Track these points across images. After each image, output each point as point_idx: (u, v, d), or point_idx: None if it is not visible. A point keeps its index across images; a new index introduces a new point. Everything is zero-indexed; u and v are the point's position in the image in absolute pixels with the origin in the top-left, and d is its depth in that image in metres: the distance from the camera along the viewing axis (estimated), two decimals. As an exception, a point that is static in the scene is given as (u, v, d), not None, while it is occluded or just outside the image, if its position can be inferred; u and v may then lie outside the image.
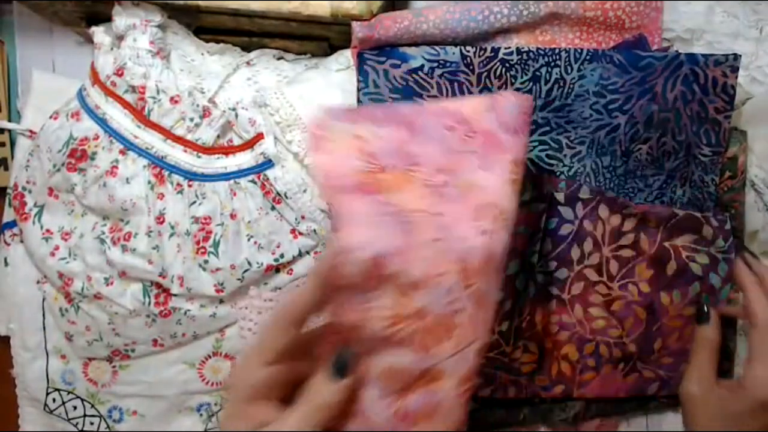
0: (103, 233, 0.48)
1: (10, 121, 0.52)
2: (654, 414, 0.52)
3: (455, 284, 0.34)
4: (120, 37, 0.47)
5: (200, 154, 0.48)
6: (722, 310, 0.46)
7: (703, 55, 0.46)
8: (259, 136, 0.48)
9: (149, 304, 0.48)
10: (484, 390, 0.47)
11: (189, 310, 0.48)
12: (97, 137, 0.47)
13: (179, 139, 0.47)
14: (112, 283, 0.48)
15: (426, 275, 0.33)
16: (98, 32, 0.48)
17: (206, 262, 0.47)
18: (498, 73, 0.46)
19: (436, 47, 0.46)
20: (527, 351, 0.47)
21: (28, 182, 0.49)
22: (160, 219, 0.47)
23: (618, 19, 0.49)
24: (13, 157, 0.51)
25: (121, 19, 0.46)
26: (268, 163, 0.47)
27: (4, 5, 0.52)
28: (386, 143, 0.37)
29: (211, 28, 0.50)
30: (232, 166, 0.48)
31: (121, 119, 0.47)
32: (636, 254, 0.47)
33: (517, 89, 0.46)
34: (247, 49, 0.50)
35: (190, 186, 0.47)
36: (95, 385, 0.52)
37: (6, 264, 0.51)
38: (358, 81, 0.47)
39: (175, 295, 0.48)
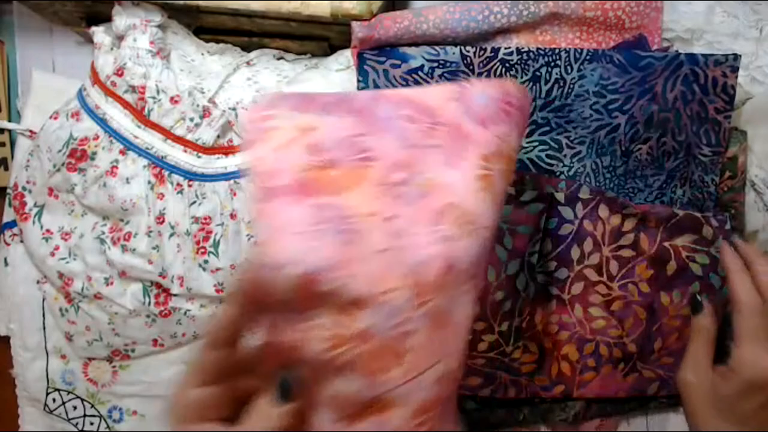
0: (103, 233, 0.48)
1: (10, 121, 0.52)
2: (654, 414, 0.52)
3: (405, 302, 0.29)
4: (120, 37, 0.47)
5: (200, 154, 0.48)
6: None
7: (703, 55, 0.46)
8: (259, 136, 0.48)
9: (149, 304, 0.48)
10: (484, 390, 0.47)
11: (189, 310, 0.48)
12: (97, 137, 0.47)
13: (179, 139, 0.47)
14: (112, 283, 0.48)
15: (370, 292, 0.29)
16: (98, 32, 0.48)
17: (206, 262, 0.47)
18: (498, 73, 0.46)
19: (436, 47, 0.46)
20: (527, 351, 0.47)
21: (28, 182, 0.49)
22: (160, 219, 0.47)
23: (618, 19, 0.49)
24: (13, 157, 0.51)
25: (121, 19, 0.46)
26: (268, 163, 0.48)
27: (4, 5, 0.52)
28: (337, 134, 0.33)
29: (211, 28, 0.50)
30: (232, 166, 0.48)
31: (121, 119, 0.47)
32: (636, 254, 0.47)
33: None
34: (247, 49, 0.50)
35: (190, 186, 0.47)
36: (95, 385, 0.52)
37: (6, 264, 0.51)
38: (358, 81, 0.47)
39: (175, 295, 0.48)
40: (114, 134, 0.47)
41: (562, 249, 0.46)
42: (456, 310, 0.31)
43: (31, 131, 0.50)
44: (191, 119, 0.47)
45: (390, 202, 0.31)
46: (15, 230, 0.51)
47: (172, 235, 0.47)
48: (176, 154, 0.47)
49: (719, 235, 0.47)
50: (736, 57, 0.46)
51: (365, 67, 0.46)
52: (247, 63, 0.49)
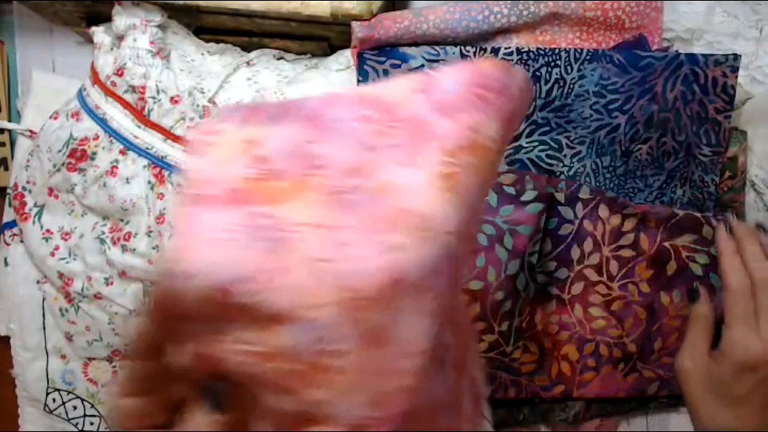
0: (103, 233, 0.48)
1: (10, 121, 0.52)
2: (654, 414, 0.52)
3: (335, 319, 0.26)
4: (120, 37, 0.47)
5: (200, 154, 0.48)
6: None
7: (703, 55, 0.46)
8: (259, 136, 0.48)
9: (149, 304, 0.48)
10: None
11: (189, 310, 0.48)
12: (97, 137, 0.47)
13: (179, 139, 0.47)
14: (112, 283, 0.48)
15: (292, 307, 0.26)
16: (98, 32, 0.48)
17: (206, 262, 0.47)
18: (498, 73, 0.46)
19: (436, 47, 0.46)
20: (527, 351, 0.47)
21: (28, 182, 0.49)
22: (161, 219, 0.47)
23: (618, 19, 0.49)
24: (13, 157, 0.51)
25: (121, 19, 0.46)
26: (268, 163, 0.47)
27: (4, 5, 0.52)
28: (283, 144, 0.30)
29: (211, 28, 0.50)
30: (232, 166, 0.48)
31: (121, 119, 0.47)
32: (636, 254, 0.47)
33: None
34: (247, 49, 0.50)
35: (190, 186, 0.47)
36: (95, 385, 0.52)
37: (6, 264, 0.51)
38: (358, 81, 0.47)
39: (175, 295, 0.48)
40: (114, 134, 0.47)
41: (562, 249, 0.46)
42: (403, 327, 0.28)
43: (31, 131, 0.50)
44: (191, 119, 0.47)
45: (335, 211, 0.29)
46: (15, 230, 0.51)
47: (172, 235, 0.47)
48: (176, 154, 0.47)
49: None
50: (736, 57, 0.46)
51: (365, 67, 0.46)
52: (247, 63, 0.49)
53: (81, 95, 0.48)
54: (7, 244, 0.51)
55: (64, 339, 0.51)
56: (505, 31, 0.49)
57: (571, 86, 0.46)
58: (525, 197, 0.45)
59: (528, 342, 0.47)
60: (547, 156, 0.47)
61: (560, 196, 0.46)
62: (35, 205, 0.50)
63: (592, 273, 0.47)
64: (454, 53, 0.46)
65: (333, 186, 0.29)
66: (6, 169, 0.52)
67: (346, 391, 0.27)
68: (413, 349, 0.28)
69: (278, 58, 0.50)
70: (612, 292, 0.47)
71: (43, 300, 0.51)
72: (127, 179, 0.47)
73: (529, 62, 0.46)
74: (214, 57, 0.50)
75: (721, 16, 0.51)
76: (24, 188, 0.50)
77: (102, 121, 0.47)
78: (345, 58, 0.48)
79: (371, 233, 0.28)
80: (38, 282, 0.51)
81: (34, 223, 0.49)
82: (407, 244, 0.28)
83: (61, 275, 0.48)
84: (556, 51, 0.46)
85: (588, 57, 0.46)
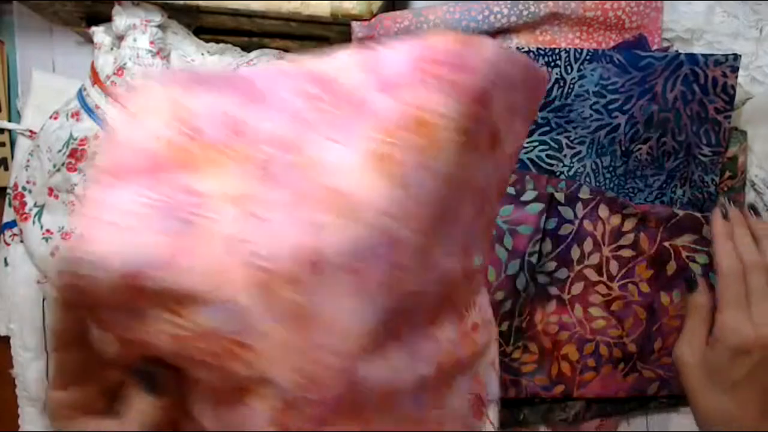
0: (103, 233, 0.48)
1: (10, 121, 0.52)
2: (654, 414, 0.52)
3: (253, 299, 0.26)
4: (120, 37, 0.47)
5: (200, 154, 0.48)
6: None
7: (703, 55, 0.46)
8: (259, 136, 0.48)
9: (149, 304, 0.48)
10: (484, 390, 0.47)
11: (189, 310, 0.48)
12: (97, 137, 0.47)
13: (179, 139, 0.47)
14: (112, 283, 0.48)
15: (210, 288, 0.26)
16: (98, 32, 0.48)
17: (206, 262, 0.47)
18: (498, 73, 0.46)
19: (436, 47, 0.46)
20: (527, 351, 0.47)
21: (28, 182, 0.49)
22: (160, 219, 0.47)
23: (618, 19, 0.49)
24: (13, 157, 0.51)
25: (121, 19, 0.46)
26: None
27: (4, 5, 0.52)
28: (213, 111, 0.29)
29: (211, 28, 0.50)
30: (232, 166, 0.48)
31: (121, 119, 0.47)
32: (636, 254, 0.47)
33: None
34: (247, 49, 0.50)
35: (190, 186, 0.47)
36: (95, 385, 0.52)
37: (6, 264, 0.51)
38: (358, 81, 0.47)
39: (175, 295, 0.48)
40: (114, 134, 0.47)
41: (562, 249, 0.46)
42: (330, 308, 0.27)
43: (31, 131, 0.50)
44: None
45: (259, 184, 0.28)
46: (15, 230, 0.51)
47: (172, 235, 0.47)
48: (176, 154, 0.47)
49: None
50: (736, 57, 0.46)
51: (365, 67, 0.46)
52: (247, 63, 0.49)
53: (81, 95, 0.48)
54: (7, 244, 0.51)
55: (64, 339, 0.51)
56: (505, 31, 0.49)
57: (571, 86, 0.46)
58: (525, 197, 0.45)
59: (528, 342, 0.47)
60: (547, 156, 0.47)
61: (560, 196, 0.46)
62: (35, 205, 0.50)
63: (592, 273, 0.47)
64: (454, 53, 0.46)
65: (260, 158, 0.28)
66: (6, 169, 0.52)
67: (272, 369, 0.27)
68: (345, 330, 0.27)
69: (278, 59, 0.50)
70: (612, 292, 0.47)
71: (43, 300, 0.51)
72: (127, 179, 0.47)
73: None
74: (214, 57, 0.50)
75: (721, 16, 0.51)
76: (24, 188, 0.50)
77: (102, 121, 0.47)
78: (345, 58, 0.48)
79: (294, 210, 0.27)
80: (38, 282, 0.51)
81: (34, 223, 0.49)
82: (330, 224, 0.27)
83: (61, 275, 0.48)
84: (556, 51, 0.46)
85: (588, 57, 0.46)
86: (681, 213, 0.47)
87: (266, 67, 0.31)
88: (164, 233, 0.26)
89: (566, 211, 0.46)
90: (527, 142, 0.47)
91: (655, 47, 0.49)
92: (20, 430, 0.53)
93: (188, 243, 0.26)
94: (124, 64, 0.47)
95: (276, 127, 0.28)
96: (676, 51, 0.48)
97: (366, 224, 0.27)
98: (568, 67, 0.46)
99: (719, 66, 0.46)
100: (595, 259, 0.47)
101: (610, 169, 0.47)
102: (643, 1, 0.48)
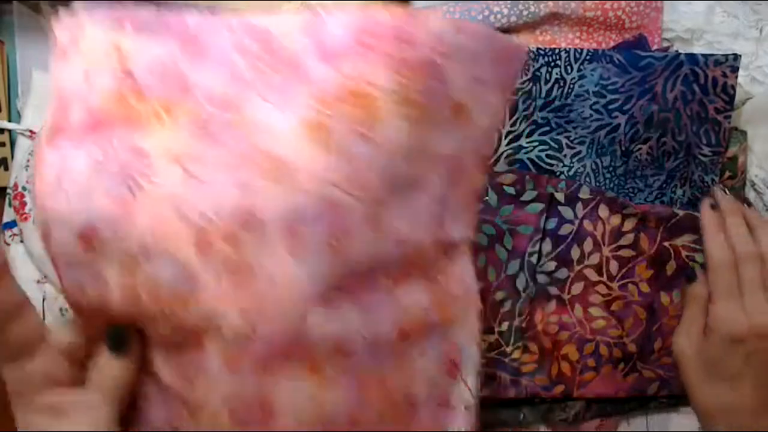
0: (103, 233, 0.48)
1: (10, 121, 0.52)
2: (654, 414, 0.52)
3: (192, 250, 0.28)
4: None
5: (200, 154, 0.48)
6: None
7: (703, 55, 0.46)
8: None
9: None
10: (484, 390, 0.47)
11: (189, 310, 0.48)
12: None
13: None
14: (112, 283, 0.48)
15: (156, 243, 0.28)
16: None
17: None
18: (498, 73, 0.46)
19: (436, 47, 0.46)
20: (527, 351, 0.47)
21: (28, 182, 0.49)
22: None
23: (618, 19, 0.49)
24: (13, 157, 0.51)
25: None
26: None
27: (4, 5, 0.51)
28: (154, 61, 0.29)
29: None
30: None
31: (121, 119, 0.47)
32: (636, 254, 0.47)
33: (517, 89, 0.46)
34: (247, 49, 0.50)
35: (190, 186, 0.47)
36: (95, 385, 0.52)
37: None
38: (358, 81, 0.47)
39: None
40: (114, 134, 0.47)
41: (562, 249, 0.46)
42: (269, 264, 0.28)
43: (31, 131, 0.50)
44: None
45: (199, 142, 0.29)
46: (15, 230, 0.51)
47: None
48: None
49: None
50: (736, 57, 0.46)
51: (365, 67, 0.46)
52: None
53: (81, 95, 0.48)
54: (7, 244, 0.51)
55: (64, 339, 0.51)
56: (505, 31, 0.49)
57: (571, 86, 0.46)
58: (525, 197, 0.45)
59: (528, 342, 0.47)
60: (547, 156, 0.47)
61: (560, 196, 0.46)
62: (35, 205, 0.50)
63: (592, 273, 0.47)
64: (454, 53, 0.46)
65: (200, 115, 0.29)
66: (6, 169, 0.52)
67: (219, 315, 0.29)
68: (287, 284, 0.29)
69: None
70: (612, 292, 0.47)
71: (43, 300, 0.51)
72: (127, 179, 0.47)
73: (529, 62, 0.46)
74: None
75: (721, 16, 0.51)
76: (24, 188, 0.50)
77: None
78: (345, 58, 0.48)
79: (231, 172, 0.28)
80: (38, 282, 0.50)
81: (34, 223, 0.49)
82: (265, 187, 0.28)
83: (61, 275, 0.48)
84: (556, 51, 0.46)
85: (588, 57, 0.46)
86: (681, 213, 0.47)
87: (211, 18, 0.30)
88: (114, 193, 0.28)
89: (566, 211, 0.46)
90: (527, 142, 0.47)
91: (655, 47, 0.49)
92: (20, 430, 0.53)
93: (136, 202, 0.28)
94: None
95: (216, 84, 0.29)
96: (676, 51, 0.48)
97: (302, 189, 0.28)
98: (568, 67, 0.46)
99: (719, 66, 0.46)
100: (595, 259, 0.47)
101: (610, 169, 0.47)
102: (643, 1, 0.48)
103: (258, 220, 0.28)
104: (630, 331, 0.48)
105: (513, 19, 0.48)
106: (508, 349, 0.47)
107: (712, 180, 0.48)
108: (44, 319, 0.51)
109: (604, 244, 0.47)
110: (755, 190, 0.51)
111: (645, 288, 0.47)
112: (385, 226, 0.31)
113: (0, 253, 0.29)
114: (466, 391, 0.35)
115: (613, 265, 0.47)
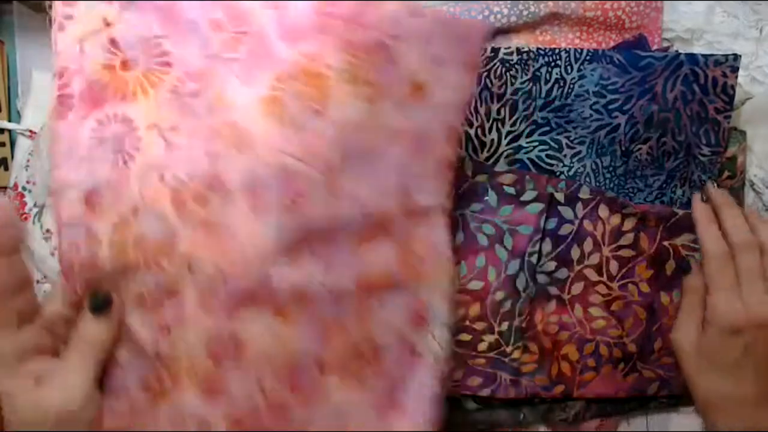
0: (103, 233, 0.48)
1: (10, 121, 0.52)
2: (654, 414, 0.52)
3: (171, 209, 0.33)
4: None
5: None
6: None
7: (703, 55, 0.46)
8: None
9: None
10: (484, 390, 0.47)
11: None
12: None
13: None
14: (112, 283, 0.48)
15: (143, 203, 0.33)
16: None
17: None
18: (498, 73, 0.46)
19: (436, 47, 0.46)
20: (527, 351, 0.47)
21: (28, 182, 0.49)
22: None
23: (618, 19, 0.49)
24: (13, 157, 0.51)
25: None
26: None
27: (4, 5, 0.52)
28: (134, 31, 0.33)
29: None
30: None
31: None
32: (636, 254, 0.47)
33: (517, 89, 0.46)
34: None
35: (190, 186, 0.47)
36: (95, 385, 0.52)
37: (6, 264, 0.51)
38: (358, 81, 0.47)
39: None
40: (114, 134, 0.47)
41: (562, 249, 0.46)
42: (234, 221, 0.34)
43: (31, 131, 0.50)
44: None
45: (177, 113, 0.34)
46: (15, 230, 0.51)
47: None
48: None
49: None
50: (736, 57, 0.46)
51: (365, 67, 0.46)
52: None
53: (81, 95, 0.48)
54: (7, 244, 0.51)
55: (64, 339, 0.51)
56: (505, 31, 0.49)
57: (571, 86, 0.46)
58: (525, 197, 0.45)
59: (528, 342, 0.47)
60: (547, 156, 0.47)
61: (560, 196, 0.46)
62: (35, 205, 0.50)
63: (592, 273, 0.47)
64: (454, 53, 0.46)
65: (175, 86, 0.34)
66: (6, 169, 0.52)
67: (193, 264, 0.34)
68: (250, 239, 0.34)
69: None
70: (612, 292, 0.47)
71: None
72: (127, 179, 0.47)
73: (529, 62, 0.46)
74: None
75: (721, 16, 0.51)
76: (24, 188, 0.50)
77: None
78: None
79: (201, 140, 0.34)
80: (38, 282, 0.50)
81: (34, 223, 0.49)
82: (228, 155, 0.33)
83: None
84: (556, 51, 0.46)
85: (588, 57, 0.46)
86: (681, 212, 0.47)
87: None
88: (112, 162, 0.34)
89: (566, 211, 0.46)
90: (527, 142, 0.47)
91: (655, 47, 0.49)
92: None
93: (128, 169, 0.33)
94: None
95: (191, 57, 0.34)
96: (676, 51, 0.48)
97: (260, 157, 0.33)
98: (568, 67, 0.46)
99: (719, 66, 0.46)
100: (595, 259, 0.47)
101: (610, 169, 0.47)
102: (643, 1, 0.48)
103: (222, 183, 0.33)
104: (630, 331, 0.48)
105: (513, 19, 0.48)
106: (508, 349, 0.47)
107: (710, 179, 0.48)
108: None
109: (604, 244, 0.47)
110: (754, 190, 0.51)
111: (645, 288, 0.47)
112: (343, 191, 0.35)
113: (19, 229, 0.33)
114: (434, 342, 0.38)
115: (613, 265, 0.47)
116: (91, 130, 0.34)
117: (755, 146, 0.51)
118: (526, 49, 0.46)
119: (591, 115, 0.47)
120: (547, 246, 0.46)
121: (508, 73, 0.46)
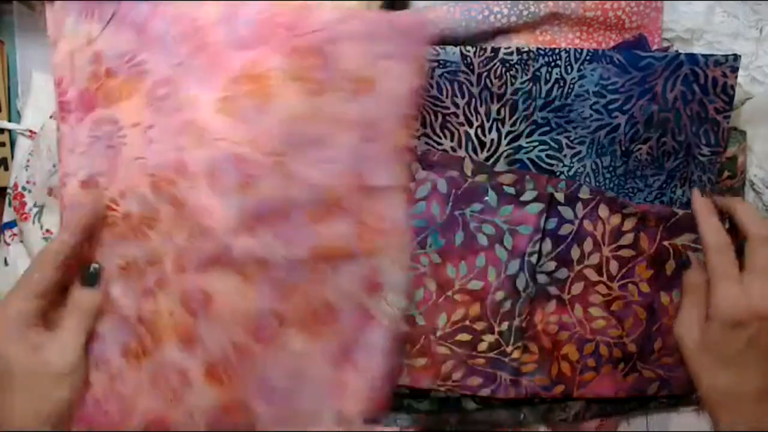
0: (103, 233, 0.48)
1: (10, 121, 0.52)
2: (654, 414, 0.52)
3: (149, 196, 0.41)
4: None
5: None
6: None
7: (703, 55, 0.46)
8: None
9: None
10: (484, 390, 0.47)
11: (189, 310, 0.49)
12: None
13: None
14: (112, 283, 0.48)
15: (126, 189, 0.41)
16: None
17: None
18: (498, 73, 0.46)
19: (436, 47, 0.46)
20: (527, 351, 0.47)
21: (28, 182, 0.49)
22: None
23: (618, 19, 0.49)
24: (13, 157, 0.51)
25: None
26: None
27: (4, 5, 0.52)
28: (115, 45, 0.41)
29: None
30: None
31: (121, 119, 0.48)
32: (636, 254, 0.47)
33: (517, 89, 0.46)
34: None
35: (189, 186, 0.48)
36: (95, 385, 0.52)
37: (6, 264, 0.51)
38: (358, 81, 0.47)
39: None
40: (114, 134, 0.48)
41: (562, 249, 0.46)
42: (199, 200, 0.41)
43: (31, 131, 0.50)
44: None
45: (152, 113, 0.41)
46: (15, 230, 0.51)
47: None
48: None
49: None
50: (736, 57, 0.46)
51: (365, 67, 0.46)
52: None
53: (81, 95, 0.49)
54: (7, 244, 0.51)
55: (64, 339, 0.51)
56: (505, 31, 0.49)
57: (571, 86, 0.46)
58: (525, 197, 0.45)
59: (528, 342, 0.47)
60: (547, 156, 0.47)
61: (560, 196, 0.46)
62: (35, 205, 0.50)
63: (592, 273, 0.47)
64: (454, 53, 0.46)
65: (150, 91, 0.41)
66: (6, 169, 0.52)
67: (171, 234, 0.41)
68: (213, 214, 0.41)
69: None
70: (612, 292, 0.47)
71: (43, 300, 0.51)
72: (127, 179, 0.47)
73: (529, 62, 0.46)
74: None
75: (721, 16, 0.51)
76: (24, 188, 0.50)
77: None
78: (345, 58, 0.49)
79: (171, 136, 0.41)
80: (38, 282, 0.51)
81: (34, 223, 0.49)
82: (190, 146, 0.41)
83: (61, 275, 0.49)
84: (556, 51, 0.46)
85: (588, 57, 0.46)
86: (681, 212, 0.47)
87: (161, 8, 0.41)
88: (104, 155, 0.42)
89: (566, 211, 0.46)
90: (527, 142, 0.47)
91: (655, 47, 0.49)
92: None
93: (118, 160, 0.42)
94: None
95: (162, 65, 0.41)
96: (676, 51, 0.48)
97: (217, 148, 0.41)
98: (568, 67, 0.46)
99: (719, 66, 0.46)
100: (595, 259, 0.47)
101: (610, 169, 0.47)
102: (643, 1, 0.48)
103: (188, 169, 0.41)
104: (630, 331, 0.48)
105: (513, 19, 0.48)
106: (508, 349, 0.47)
107: (710, 179, 0.48)
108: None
109: (604, 244, 0.47)
110: (754, 190, 0.51)
111: (645, 288, 0.47)
112: (295, 174, 0.41)
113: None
114: (387, 307, 0.43)
115: (613, 265, 0.47)
116: (89, 130, 0.42)
117: (755, 146, 0.51)
118: (526, 49, 0.46)
119: (591, 115, 0.47)
120: (547, 246, 0.46)
121: (508, 73, 0.46)
